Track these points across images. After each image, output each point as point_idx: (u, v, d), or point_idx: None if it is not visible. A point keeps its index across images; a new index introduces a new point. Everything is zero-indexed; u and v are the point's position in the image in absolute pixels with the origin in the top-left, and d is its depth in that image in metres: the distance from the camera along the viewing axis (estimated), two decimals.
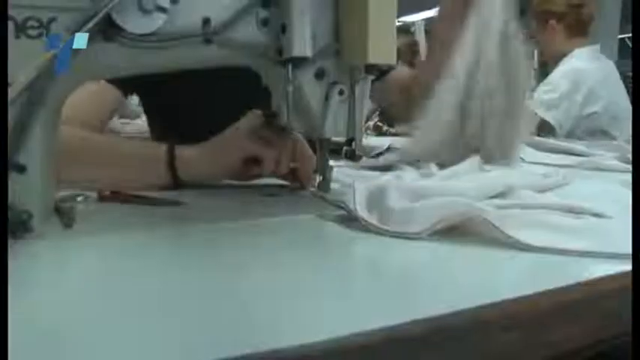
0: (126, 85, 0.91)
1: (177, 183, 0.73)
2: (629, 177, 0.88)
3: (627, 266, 0.41)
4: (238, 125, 0.75)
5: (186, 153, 0.74)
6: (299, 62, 0.56)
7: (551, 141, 1.26)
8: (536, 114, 1.90)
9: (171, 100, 0.94)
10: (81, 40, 0.49)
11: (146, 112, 1.09)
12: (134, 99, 1.25)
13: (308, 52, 0.55)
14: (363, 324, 0.31)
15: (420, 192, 0.55)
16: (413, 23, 3.45)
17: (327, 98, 0.60)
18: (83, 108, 0.80)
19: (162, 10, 0.52)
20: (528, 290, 0.37)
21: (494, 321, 0.34)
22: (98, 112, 0.90)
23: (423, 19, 3.81)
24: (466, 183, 0.60)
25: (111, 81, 0.87)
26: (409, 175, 0.69)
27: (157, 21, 0.52)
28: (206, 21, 0.54)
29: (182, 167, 0.73)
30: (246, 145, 0.74)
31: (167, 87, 0.85)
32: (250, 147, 0.73)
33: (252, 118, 0.75)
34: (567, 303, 0.37)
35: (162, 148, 0.74)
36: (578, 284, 0.39)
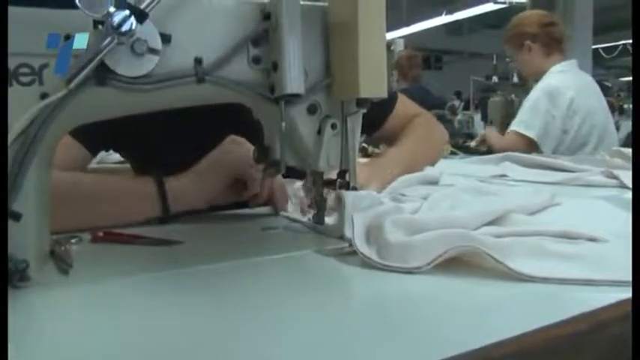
0: (95, 143, 0.89)
1: (166, 215, 0.74)
2: (615, 193, 0.90)
3: (628, 293, 0.42)
4: (221, 149, 0.78)
5: (176, 185, 0.75)
6: (291, 99, 0.57)
7: (537, 157, 1.27)
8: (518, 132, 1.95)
9: (147, 145, 0.89)
10: (81, 41, 0.50)
11: (123, 156, 1.06)
12: None
13: (300, 90, 0.56)
14: None
15: (417, 225, 0.55)
16: (393, 41, 3.49)
17: (319, 132, 0.60)
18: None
19: (155, 52, 0.52)
20: (535, 324, 0.37)
21: (504, 358, 0.34)
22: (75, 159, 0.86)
23: (402, 37, 3.85)
24: (459, 212, 0.61)
25: (80, 140, 0.85)
26: (406, 205, 0.68)
27: (150, 63, 0.52)
28: (198, 61, 0.54)
29: (173, 200, 0.74)
30: (233, 167, 0.77)
31: (139, 135, 0.84)
32: (237, 169, 0.77)
33: (230, 142, 0.78)
34: (575, 335, 0.37)
35: (152, 183, 0.74)
36: (583, 315, 0.39)
